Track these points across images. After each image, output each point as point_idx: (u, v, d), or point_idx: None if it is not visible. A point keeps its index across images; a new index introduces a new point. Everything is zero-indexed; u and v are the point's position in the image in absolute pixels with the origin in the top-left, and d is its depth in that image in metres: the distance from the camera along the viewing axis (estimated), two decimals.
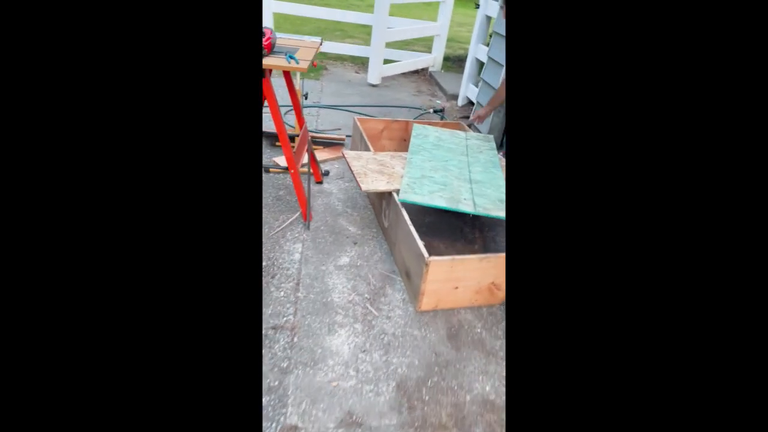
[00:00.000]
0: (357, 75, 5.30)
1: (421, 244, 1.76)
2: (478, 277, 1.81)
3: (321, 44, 2.45)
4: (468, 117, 4.23)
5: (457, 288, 1.81)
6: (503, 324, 1.82)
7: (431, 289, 1.77)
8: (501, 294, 1.90)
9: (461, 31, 8.67)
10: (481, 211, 1.98)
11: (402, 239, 1.98)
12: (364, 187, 2.15)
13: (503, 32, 3.40)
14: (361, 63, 5.63)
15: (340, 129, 3.61)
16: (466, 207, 2.01)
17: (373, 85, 4.94)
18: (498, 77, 3.44)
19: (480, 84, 3.92)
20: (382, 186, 2.17)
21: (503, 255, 1.79)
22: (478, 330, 1.78)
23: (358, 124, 3.00)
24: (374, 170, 2.32)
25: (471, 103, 4.33)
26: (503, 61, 3.35)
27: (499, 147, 3.72)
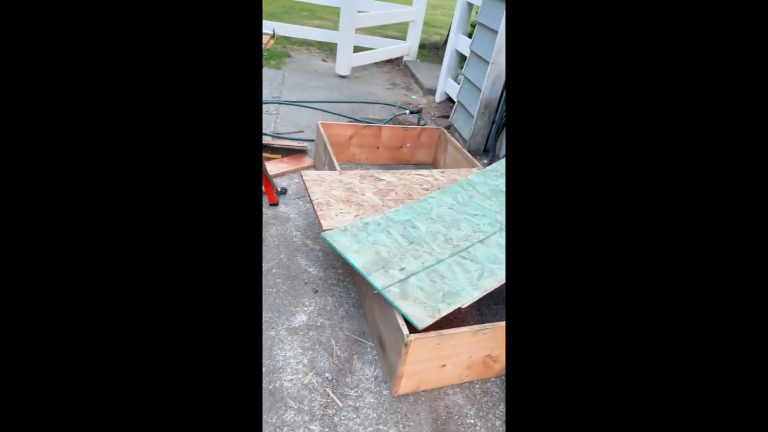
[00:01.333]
0: (324, 64, 4.77)
1: (398, 314, 1.35)
2: (470, 351, 1.42)
3: (273, 37, 1.96)
4: (447, 117, 3.80)
5: (444, 366, 1.42)
6: (502, 407, 1.45)
7: (412, 370, 1.37)
8: (498, 366, 1.52)
9: (435, 14, 8.17)
10: (391, 295, 1.39)
11: (373, 294, 1.57)
12: (326, 224, 1.71)
13: (489, 24, 2.96)
14: (329, 49, 5.09)
15: (302, 131, 3.12)
16: (379, 280, 1.45)
17: (342, 77, 4.44)
18: (483, 74, 3.02)
19: (461, 81, 3.49)
20: (347, 222, 1.73)
21: (502, 325, 1.41)
22: (471, 420, 1.39)
23: (322, 130, 2.53)
24: (340, 198, 1.88)
25: (450, 100, 3.91)
26: (489, 57, 2.93)
27: (484, 152, 3.33)
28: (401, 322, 1.31)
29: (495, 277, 1.53)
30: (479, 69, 3.10)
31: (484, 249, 1.67)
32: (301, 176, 2.00)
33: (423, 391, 1.45)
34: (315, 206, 1.79)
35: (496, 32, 2.85)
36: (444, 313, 1.35)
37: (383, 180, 2.08)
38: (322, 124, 2.58)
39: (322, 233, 1.65)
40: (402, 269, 1.51)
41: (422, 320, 1.31)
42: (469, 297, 1.42)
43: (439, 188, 2.09)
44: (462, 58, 3.76)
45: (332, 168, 2.21)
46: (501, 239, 1.74)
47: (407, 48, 5.04)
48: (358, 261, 1.53)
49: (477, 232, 1.76)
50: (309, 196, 1.87)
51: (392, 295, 1.40)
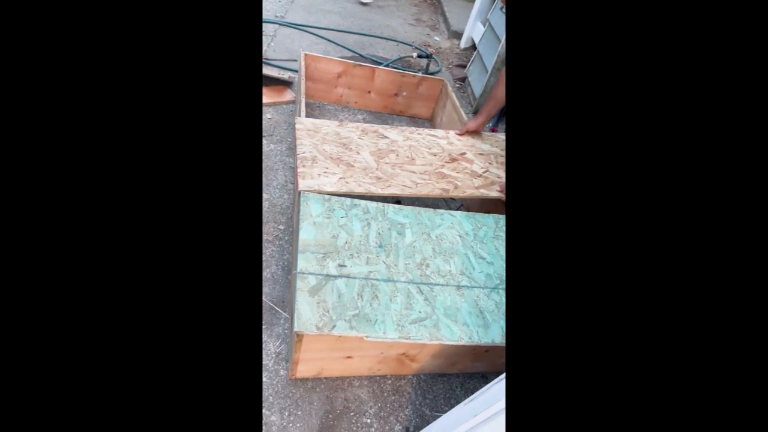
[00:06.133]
0: None
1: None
2: (381, 348, 1.25)
3: None
4: (465, 66, 3.40)
5: (350, 357, 1.26)
6: (408, 411, 1.31)
7: (311, 357, 1.23)
8: (416, 365, 1.36)
9: None
10: (302, 282, 1.21)
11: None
12: (305, 184, 1.46)
13: None
14: None
15: (295, 60, 2.82)
16: (308, 262, 1.25)
17: (363, 3, 4.01)
18: None
19: (486, 26, 3.06)
20: (330, 185, 1.49)
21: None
22: (368, 419, 1.26)
23: (303, 62, 2.25)
24: (330, 154, 1.62)
25: (475, 47, 3.47)
26: None
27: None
28: (296, 313, 1.14)
29: (433, 332, 1.20)
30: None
31: (453, 297, 1.30)
32: (296, 123, 1.75)
33: (325, 377, 1.32)
34: (298, 161, 1.55)
35: None
36: (333, 334, 1.12)
37: (387, 138, 1.80)
38: (306, 55, 2.29)
39: (301, 191, 1.45)
40: (341, 266, 1.29)
41: (304, 325, 1.11)
42: (379, 333, 1.16)
43: (451, 155, 1.80)
44: None
45: (302, 108, 1.96)
46: (485, 299, 1.32)
47: None
48: (306, 233, 1.34)
49: (463, 275, 1.37)
50: (296, 148, 1.62)
51: (304, 282, 1.21)
